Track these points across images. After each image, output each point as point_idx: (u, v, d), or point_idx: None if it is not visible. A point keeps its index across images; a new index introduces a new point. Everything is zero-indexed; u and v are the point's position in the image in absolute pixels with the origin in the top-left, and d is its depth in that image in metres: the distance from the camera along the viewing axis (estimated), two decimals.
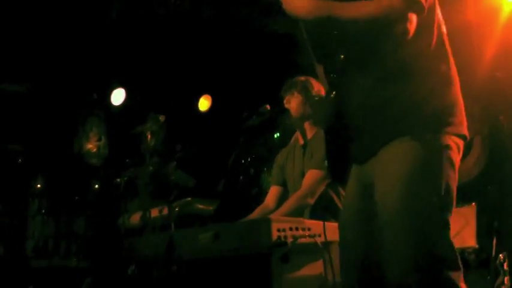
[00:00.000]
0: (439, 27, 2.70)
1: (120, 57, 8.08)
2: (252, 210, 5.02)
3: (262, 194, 8.90)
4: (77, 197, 8.89)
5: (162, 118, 5.31)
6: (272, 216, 3.62)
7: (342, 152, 2.63)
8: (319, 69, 2.76)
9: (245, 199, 7.95)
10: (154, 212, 5.33)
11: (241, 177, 7.00)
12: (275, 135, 9.93)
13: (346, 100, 2.67)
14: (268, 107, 4.30)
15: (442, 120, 2.58)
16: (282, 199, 4.38)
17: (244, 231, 3.21)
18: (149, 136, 5.31)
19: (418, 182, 2.49)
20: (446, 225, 2.51)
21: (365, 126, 2.65)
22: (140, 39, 7.70)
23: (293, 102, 4.24)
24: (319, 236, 3.22)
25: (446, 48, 2.71)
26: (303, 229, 3.19)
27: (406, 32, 2.54)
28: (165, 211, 5.53)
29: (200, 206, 5.55)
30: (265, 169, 9.20)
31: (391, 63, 2.61)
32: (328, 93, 2.72)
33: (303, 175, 4.16)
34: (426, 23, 2.62)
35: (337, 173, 2.71)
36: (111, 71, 8.50)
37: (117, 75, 8.61)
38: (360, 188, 2.74)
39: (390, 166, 2.55)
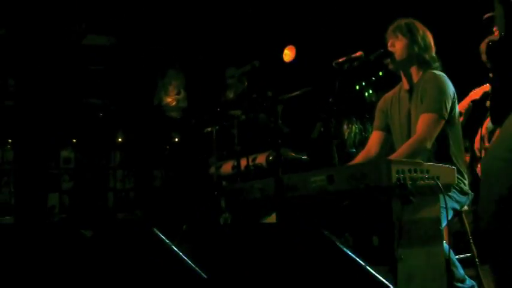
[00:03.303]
0: None
1: (205, 10, 8.06)
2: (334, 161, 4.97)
3: (344, 145, 8.86)
4: (165, 147, 8.96)
5: (257, 63, 5.24)
6: (391, 157, 3.55)
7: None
8: (499, 10, 2.60)
9: (329, 149, 7.89)
10: (260, 159, 5.31)
11: (322, 129, 6.93)
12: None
13: None
14: (361, 52, 4.23)
15: None
16: (384, 144, 4.33)
17: (361, 173, 3.15)
18: (246, 81, 5.25)
19: None
20: None
21: None
22: None
23: (397, 45, 4.14)
24: (438, 178, 3.15)
25: None
26: (422, 171, 3.12)
27: None
28: (261, 159, 5.54)
29: (293, 154, 5.53)
30: (346, 120, 9.13)
31: None
32: (502, 36, 2.58)
33: (409, 119, 4.09)
34: None
35: (499, 114, 2.58)
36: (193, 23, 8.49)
37: (199, 28, 8.60)
38: None
39: None
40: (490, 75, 4.31)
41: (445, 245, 3.39)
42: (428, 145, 3.83)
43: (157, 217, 9.12)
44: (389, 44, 4.18)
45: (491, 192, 2.68)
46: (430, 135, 3.84)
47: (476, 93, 5.59)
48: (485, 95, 5.17)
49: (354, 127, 8.75)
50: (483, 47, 4.57)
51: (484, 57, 4.70)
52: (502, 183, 2.61)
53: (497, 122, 2.95)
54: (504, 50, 2.60)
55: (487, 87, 5.09)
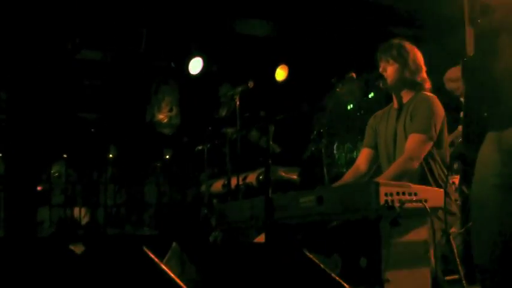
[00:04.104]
0: None
1: (198, 26, 8.09)
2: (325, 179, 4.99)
3: (334, 165, 8.87)
4: (156, 164, 8.96)
5: (251, 84, 5.27)
6: (380, 179, 3.58)
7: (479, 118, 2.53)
8: (469, 32, 2.65)
9: (319, 169, 7.92)
10: (251, 178, 5.33)
11: (313, 148, 7.00)
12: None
13: (494, 64, 2.56)
14: (353, 74, 4.28)
15: None
16: (373, 162, 4.36)
17: (350, 195, 3.18)
18: (238, 101, 5.27)
19: None
20: None
21: (510, 90, 2.53)
22: (218, 8, 7.69)
23: (389, 70, 4.17)
24: (426, 201, 3.18)
25: None
26: (410, 194, 3.16)
27: None
28: (251, 178, 5.56)
29: (283, 174, 5.55)
30: (336, 141, 9.16)
31: None
32: (475, 58, 2.61)
33: (395, 137, 4.13)
34: None
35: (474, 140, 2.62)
36: (189, 40, 8.52)
37: (195, 44, 8.63)
38: (501, 155, 2.63)
39: None
40: (461, 99, 4.36)
41: (433, 266, 3.41)
42: (416, 165, 3.87)
43: (148, 233, 9.10)
44: (380, 69, 4.22)
45: (486, 227, 2.68)
46: (418, 155, 3.89)
47: None
48: None
49: (345, 147, 8.78)
50: (448, 76, 4.64)
51: (448, 84, 4.78)
52: (497, 215, 2.62)
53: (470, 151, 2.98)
54: (476, 68, 2.63)
55: None
